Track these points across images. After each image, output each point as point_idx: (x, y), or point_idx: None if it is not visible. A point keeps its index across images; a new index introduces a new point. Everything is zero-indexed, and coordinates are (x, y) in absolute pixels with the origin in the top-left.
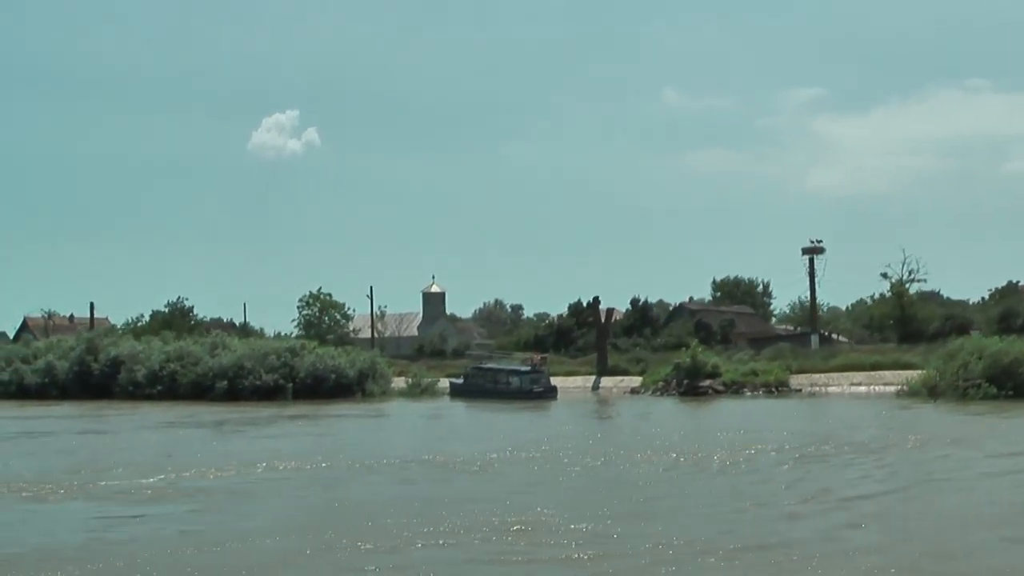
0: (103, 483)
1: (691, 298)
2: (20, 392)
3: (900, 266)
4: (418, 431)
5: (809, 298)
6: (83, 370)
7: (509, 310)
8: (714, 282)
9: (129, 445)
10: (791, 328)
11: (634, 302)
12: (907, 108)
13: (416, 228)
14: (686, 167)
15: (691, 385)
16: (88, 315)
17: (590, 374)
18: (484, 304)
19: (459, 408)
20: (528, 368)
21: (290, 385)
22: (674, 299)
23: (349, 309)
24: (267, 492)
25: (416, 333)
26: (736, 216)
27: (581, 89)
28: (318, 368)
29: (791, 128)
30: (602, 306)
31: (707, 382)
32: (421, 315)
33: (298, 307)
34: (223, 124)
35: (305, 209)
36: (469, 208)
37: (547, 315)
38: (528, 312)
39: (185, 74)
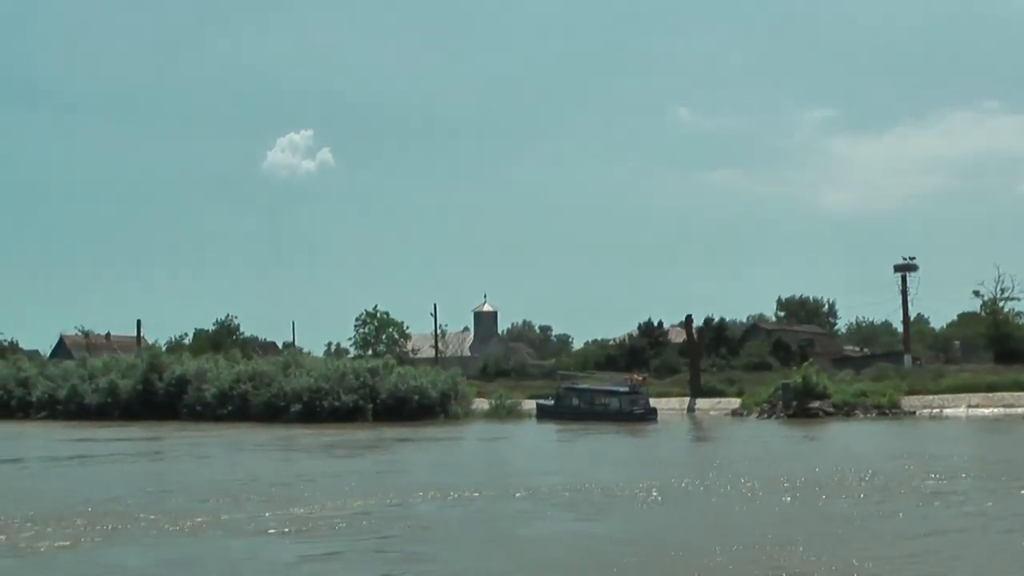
0: (249, 512)
1: (750, 316)
2: (80, 412)
3: (994, 284)
4: (542, 456)
5: (902, 318)
6: (147, 389)
7: (538, 330)
8: (779, 301)
9: (241, 470)
10: (856, 348)
11: (707, 321)
12: (921, 129)
13: (432, 246)
14: (697, 186)
15: (801, 407)
16: (127, 333)
17: (681, 395)
18: (512, 324)
19: (558, 431)
20: (627, 389)
21: (370, 406)
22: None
23: (406, 327)
24: (456, 523)
25: (468, 353)
26: (749, 235)
27: (592, 107)
28: (400, 389)
29: (805, 148)
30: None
31: (816, 403)
32: (472, 334)
33: (355, 325)
34: (237, 143)
35: (319, 228)
36: (483, 226)
37: (600, 338)
38: (557, 331)
39: (198, 92)
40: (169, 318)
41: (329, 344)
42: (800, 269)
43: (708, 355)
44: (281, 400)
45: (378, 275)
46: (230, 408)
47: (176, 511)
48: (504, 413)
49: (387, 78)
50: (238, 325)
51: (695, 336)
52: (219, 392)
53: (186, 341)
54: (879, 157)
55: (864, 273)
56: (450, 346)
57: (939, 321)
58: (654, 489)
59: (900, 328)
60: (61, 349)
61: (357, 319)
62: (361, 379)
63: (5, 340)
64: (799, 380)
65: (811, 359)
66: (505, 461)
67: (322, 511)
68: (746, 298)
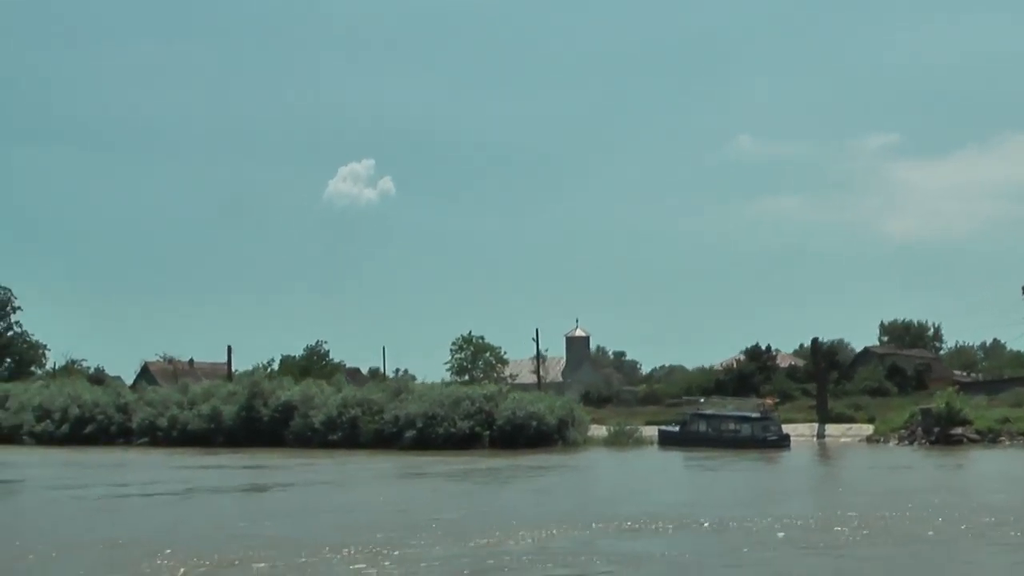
0: (447, 548)
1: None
2: (182, 438)
3: None
4: (698, 486)
5: None
6: (251, 416)
7: (611, 355)
8: (882, 325)
9: (405, 499)
10: (964, 373)
11: (815, 343)
12: (984, 154)
13: (496, 274)
14: (758, 213)
15: (943, 433)
16: (206, 359)
17: (807, 421)
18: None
19: (687, 458)
20: (759, 414)
21: (487, 433)
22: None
23: (503, 352)
24: (715, 556)
25: (560, 378)
26: (813, 263)
27: (655, 137)
28: (517, 415)
29: (867, 174)
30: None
31: (959, 430)
32: (565, 360)
33: (451, 350)
34: (299, 173)
35: (380, 257)
36: (546, 255)
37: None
38: (629, 356)
39: (262, 125)
40: (242, 344)
41: (397, 370)
42: (872, 294)
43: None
44: (392, 427)
45: (443, 302)
46: (340, 434)
47: (386, 543)
48: (624, 440)
49: (448, 108)
50: (327, 351)
51: (817, 361)
52: (327, 419)
53: (273, 367)
54: (942, 182)
55: (943, 297)
56: (550, 372)
57: None
58: (855, 520)
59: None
60: (145, 375)
61: (453, 344)
62: (477, 405)
63: (90, 368)
64: (942, 406)
65: (954, 386)
66: (661, 489)
67: (547, 539)
68: (821, 324)
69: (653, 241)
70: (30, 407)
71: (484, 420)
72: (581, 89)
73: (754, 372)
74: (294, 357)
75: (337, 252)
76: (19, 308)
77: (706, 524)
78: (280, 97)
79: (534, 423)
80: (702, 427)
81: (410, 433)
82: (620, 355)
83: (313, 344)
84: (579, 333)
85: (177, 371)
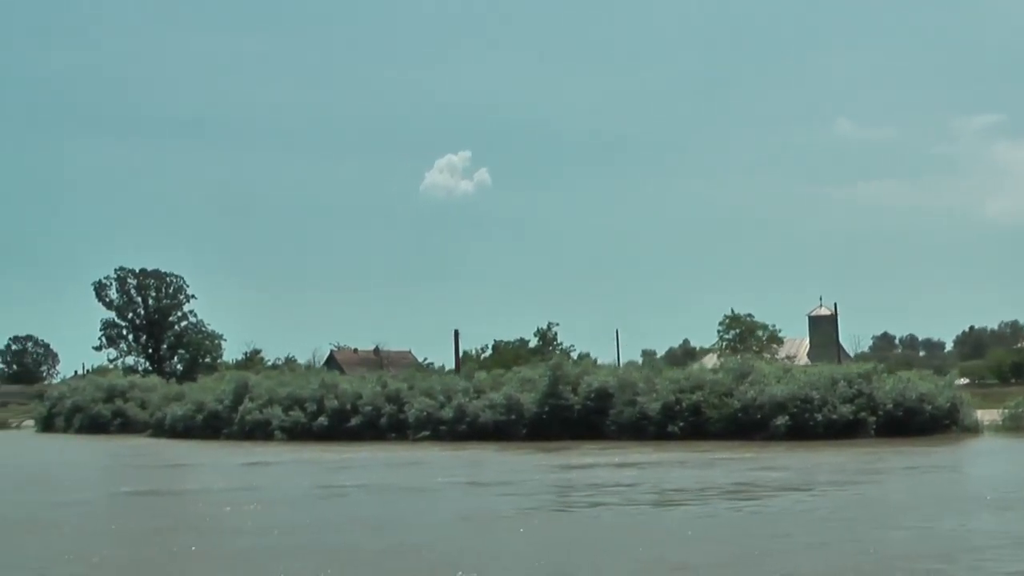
0: None
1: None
2: (471, 432)
3: None
4: None
5: None
6: (558, 404)
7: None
8: None
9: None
10: None
11: None
12: None
13: (598, 266)
14: (859, 198)
15: None
16: (388, 349)
17: None
18: None
19: None
20: None
21: (872, 419)
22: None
23: (778, 330)
24: None
25: (807, 360)
26: (914, 246)
27: (753, 120)
28: (907, 398)
29: (968, 155)
30: None
31: None
32: (808, 341)
33: (718, 331)
34: (396, 165)
35: (479, 247)
36: (644, 243)
37: None
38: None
39: (361, 117)
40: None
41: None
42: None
43: None
44: (753, 413)
45: (543, 293)
46: (680, 424)
47: None
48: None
49: (543, 98)
50: (555, 335)
51: None
52: (663, 406)
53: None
54: None
55: None
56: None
57: None
58: None
59: None
60: (332, 364)
61: (720, 323)
62: (855, 387)
63: (279, 358)
64: None
65: None
66: None
67: None
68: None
69: (746, 227)
70: (276, 400)
71: (866, 404)
72: (678, 71)
73: None
74: (511, 343)
75: (433, 243)
76: (193, 296)
77: None
78: (378, 89)
79: (929, 408)
80: None
81: (781, 420)
82: None
83: (544, 328)
84: (824, 311)
85: (385, 360)
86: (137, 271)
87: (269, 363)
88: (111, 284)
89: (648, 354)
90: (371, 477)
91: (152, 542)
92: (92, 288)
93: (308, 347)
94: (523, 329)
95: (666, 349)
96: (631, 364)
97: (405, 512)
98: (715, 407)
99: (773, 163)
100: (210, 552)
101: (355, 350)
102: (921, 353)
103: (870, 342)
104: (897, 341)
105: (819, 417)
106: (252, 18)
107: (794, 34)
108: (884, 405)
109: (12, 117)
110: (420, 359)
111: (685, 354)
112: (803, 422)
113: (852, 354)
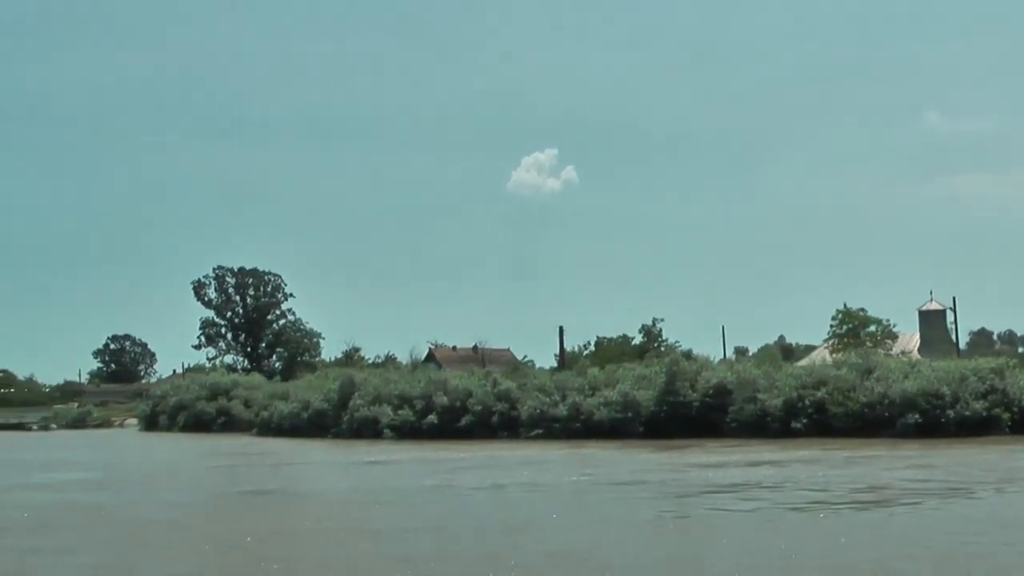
0: None
1: None
2: (587, 430)
3: None
4: None
5: None
6: (676, 401)
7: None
8: None
9: None
10: None
11: None
12: None
13: (694, 263)
14: (949, 191)
15: None
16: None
17: None
18: None
19: None
20: None
21: (1007, 415)
22: None
23: (893, 326)
24: None
25: (918, 356)
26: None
27: (841, 114)
28: None
29: None
30: None
31: None
32: (918, 337)
33: (830, 326)
34: (483, 164)
35: (566, 246)
36: (736, 239)
37: None
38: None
39: (448, 115)
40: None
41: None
42: None
43: None
44: (881, 410)
45: (638, 290)
46: (804, 421)
47: None
48: None
49: (630, 95)
50: (660, 331)
51: None
52: (785, 403)
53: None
54: None
55: None
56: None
57: None
58: None
59: None
60: (430, 362)
61: (833, 318)
62: (988, 383)
63: (379, 356)
64: None
65: None
66: None
67: None
68: None
69: (837, 221)
70: (384, 398)
71: (1000, 400)
72: (765, 66)
73: None
74: (614, 339)
75: (523, 241)
76: (291, 295)
77: None
78: (466, 88)
79: None
80: None
81: (911, 417)
82: None
83: (649, 324)
84: (934, 306)
85: (485, 358)
86: (236, 270)
87: (368, 361)
88: (210, 283)
89: (740, 351)
90: (496, 476)
91: (299, 544)
92: (191, 287)
93: (405, 345)
94: (622, 326)
95: (759, 345)
96: (744, 359)
97: (546, 513)
98: (840, 403)
99: (862, 156)
100: (376, 553)
101: (453, 348)
102: (1020, 349)
103: (967, 338)
104: (995, 337)
105: (951, 414)
106: (344, 20)
107: (885, 28)
108: (1019, 401)
109: (114, 117)
110: (519, 356)
111: (782, 350)
112: (934, 419)
113: None
